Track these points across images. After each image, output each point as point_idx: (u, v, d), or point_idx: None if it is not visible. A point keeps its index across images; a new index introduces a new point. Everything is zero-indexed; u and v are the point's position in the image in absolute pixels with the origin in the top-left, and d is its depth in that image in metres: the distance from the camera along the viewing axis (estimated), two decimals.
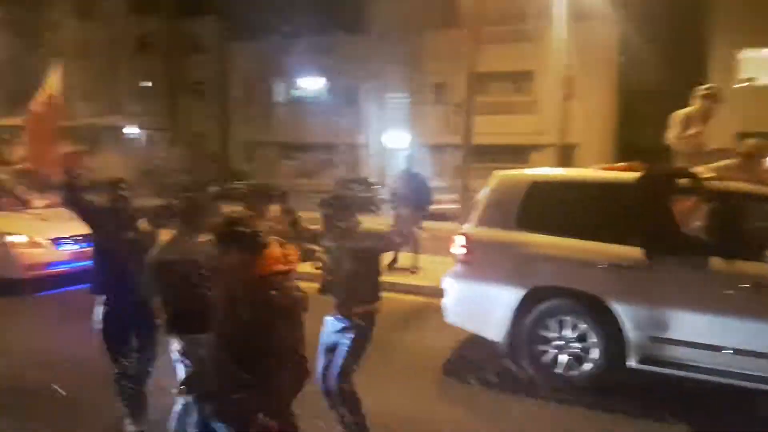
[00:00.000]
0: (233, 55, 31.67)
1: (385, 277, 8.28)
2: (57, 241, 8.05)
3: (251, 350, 2.44)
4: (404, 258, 9.43)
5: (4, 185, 9.19)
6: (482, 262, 5.62)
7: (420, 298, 8.29)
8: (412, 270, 9.25)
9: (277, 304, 2.47)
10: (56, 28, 29.82)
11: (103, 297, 4.15)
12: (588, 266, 5.11)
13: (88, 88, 32.91)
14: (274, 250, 2.59)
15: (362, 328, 3.83)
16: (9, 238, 7.91)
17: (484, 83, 21.21)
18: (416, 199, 9.29)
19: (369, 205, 15.35)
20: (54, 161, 4.97)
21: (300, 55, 28.10)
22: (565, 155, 21.82)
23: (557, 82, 21.60)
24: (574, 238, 5.24)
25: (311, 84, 31.06)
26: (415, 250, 9.44)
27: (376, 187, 21.04)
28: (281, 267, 2.57)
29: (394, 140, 27.25)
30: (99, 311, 4.14)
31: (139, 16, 32.76)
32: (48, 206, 8.93)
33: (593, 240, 5.17)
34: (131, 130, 27.14)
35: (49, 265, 8.04)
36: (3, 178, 9.30)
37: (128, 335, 4.17)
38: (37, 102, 6.84)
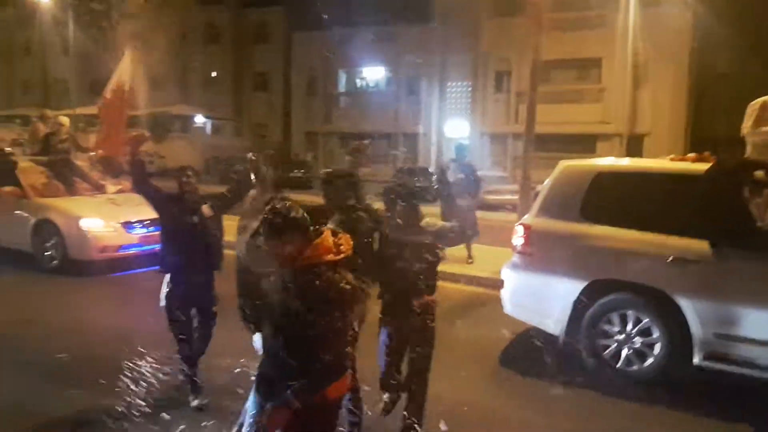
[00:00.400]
0: (297, 45, 32.10)
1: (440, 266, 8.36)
2: (128, 225, 8.42)
3: (297, 338, 2.44)
4: (457, 248, 9.33)
5: (80, 171, 9.66)
6: (542, 253, 5.53)
7: (476, 289, 8.23)
8: (468, 260, 9.18)
9: (322, 296, 2.42)
10: (129, 18, 30.97)
11: (169, 276, 4.42)
12: (653, 259, 4.93)
13: (159, 77, 34.27)
14: (326, 239, 2.51)
15: (424, 319, 3.74)
16: (83, 222, 8.32)
17: (548, 71, 20.74)
18: (465, 189, 9.19)
19: (426, 195, 15.23)
20: (124, 147, 5.25)
21: (362, 45, 28.21)
22: (633, 145, 21.13)
23: (625, 69, 20.92)
24: (639, 230, 5.07)
25: (373, 73, 31.15)
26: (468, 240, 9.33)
27: (434, 176, 20.96)
28: (331, 257, 2.48)
29: (454, 129, 27.03)
30: (164, 290, 4.42)
31: (208, 7, 33.67)
32: (120, 191, 9.36)
33: (659, 233, 4.99)
34: (199, 118, 27.99)
35: (120, 247, 8.43)
36: (79, 164, 9.77)
37: (189, 313, 4.46)
38: (110, 90, 7.17)
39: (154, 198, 4.52)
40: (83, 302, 7.10)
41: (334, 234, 2.59)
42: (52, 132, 9.90)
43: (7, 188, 8.70)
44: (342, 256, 2.53)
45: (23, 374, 4.84)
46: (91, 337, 5.75)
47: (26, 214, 8.62)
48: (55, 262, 8.40)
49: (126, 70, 8.61)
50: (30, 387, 4.62)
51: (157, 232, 4.92)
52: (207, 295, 4.51)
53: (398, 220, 3.67)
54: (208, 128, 28.66)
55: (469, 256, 9.23)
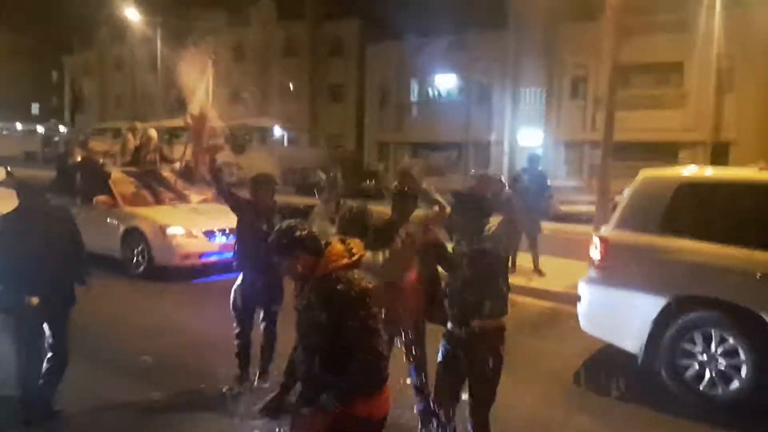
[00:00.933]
0: (370, 56, 32.56)
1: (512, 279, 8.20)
2: (209, 233, 8.79)
3: (328, 351, 2.51)
4: (522, 259, 9.15)
5: (166, 181, 10.17)
6: (621, 267, 5.36)
7: (548, 303, 8.03)
8: (540, 273, 8.96)
9: (345, 298, 2.48)
10: (212, 34, 32.41)
11: (240, 275, 4.91)
12: (740, 275, 4.69)
13: (240, 90, 35.66)
14: (335, 246, 2.62)
15: (484, 347, 3.37)
16: (169, 230, 8.75)
17: (627, 76, 20.08)
18: (535, 199, 9.01)
19: (499, 204, 15.02)
20: (205, 157, 5.68)
21: (435, 54, 28.26)
22: (718, 154, 20.05)
23: (709, 74, 19.91)
24: (725, 244, 4.83)
25: (445, 82, 31.12)
26: (536, 252, 9.13)
27: (506, 185, 20.65)
28: (345, 261, 2.58)
29: (527, 138, 26.56)
30: (233, 287, 4.90)
31: (287, 22, 34.79)
32: (203, 201, 9.81)
33: (746, 246, 4.74)
34: (276, 130, 28.87)
35: (202, 255, 8.80)
36: (165, 174, 10.29)
37: (254, 310, 4.92)
38: (195, 105, 7.53)
39: (233, 204, 4.96)
40: (166, 307, 7.45)
41: (343, 240, 2.68)
42: (141, 144, 10.49)
43: (101, 197, 9.26)
44: (356, 258, 2.62)
45: (108, 373, 5.12)
46: (173, 341, 6.02)
47: (116, 222, 9.15)
48: (141, 267, 8.87)
49: (208, 85, 9.01)
50: (113, 386, 4.87)
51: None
52: (271, 297, 4.89)
53: (462, 230, 3.50)
54: (285, 139, 29.47)
55: (536, 268, 9.02)
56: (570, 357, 5.83)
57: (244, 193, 5.05)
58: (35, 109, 57.51)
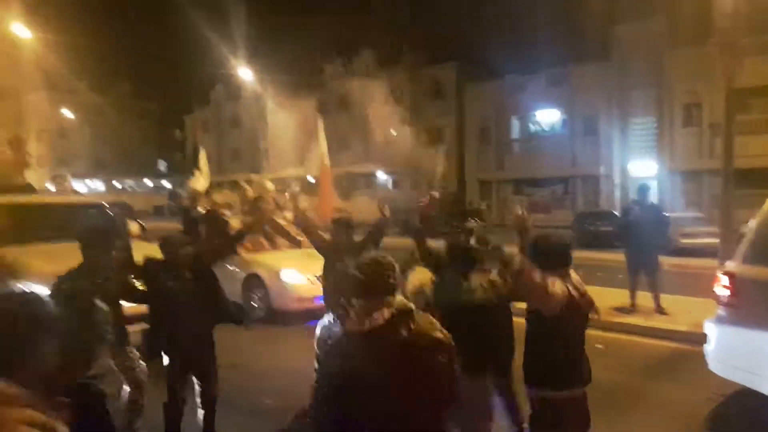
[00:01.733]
0: (469, 96, 32.88)
1: (627, 319, 7.80)
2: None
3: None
4: (642, 297, 8.70)
5: (281, 228, 10.71)
6: (751, 304, 5.00)
7: (672, 344, 7.52)
8: (662, 311, 8.45)
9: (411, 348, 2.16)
10: (317, 89, 34.10)
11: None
12: None
13: (345, 138, 37.15)
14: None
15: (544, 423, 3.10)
16: (283, 273, 9.20)
17: (744, 100, 18.84)
18: (651, 233, 8.53)
19: (613, 240, 14.42)
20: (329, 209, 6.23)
21: (534, 90, 28.06)
22: None
23: None
24: None
25: (547, 117, 30.71)
26: (655, 288, 8.60)
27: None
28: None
29: (640, 168, 25.47)
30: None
31: (387, 69, 36.13)
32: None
33: None
34: (380, 174, 29.72)
35: (316, 298, 9.14)
36: (280, 222, 10.85)
37: None
38: (322, 157, 8.05)
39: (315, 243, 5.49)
40: (283, 350, 7.75)
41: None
42: (258, 195, 11.17)
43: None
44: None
45: (236, 413, 5.41)
46: (291, 382, 6.27)
47: (238, 269, 9.75)
48: (260, 312, 9.36)
49: (322, 137, 9.55)
50: (238, 427, 5.14)
51: None
52: None
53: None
54: (390, 183, 30.24)
55: (658, 307, 8.52)
56: (699, 402, 5.44)
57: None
58: (162, 166, 62.69)
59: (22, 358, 1.48)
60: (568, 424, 3.05)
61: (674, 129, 25.01)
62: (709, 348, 5.29)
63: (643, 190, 9.32)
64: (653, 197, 9.07)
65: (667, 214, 9.36)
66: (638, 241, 8.54)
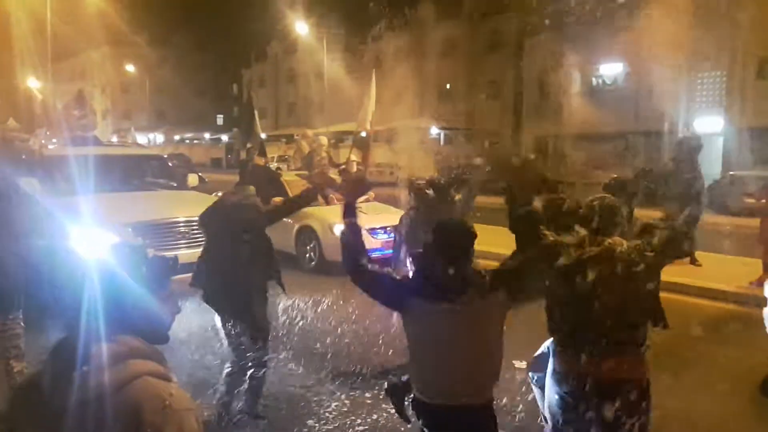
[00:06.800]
0: (528, 49, 31.87)
1: (678, 278, 7.66)
2: (372, 231, 9.31)
3: None
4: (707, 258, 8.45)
5: (335, 183, 10.88)
6: None
7: (725, 305, 7.38)
8: (694, 263, 8.28)
9: None
10: (373, 41, 33.76)
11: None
12: None
13: (400, 92, 36.78)
14: None
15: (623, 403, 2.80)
16: (336, 227, 9.39)
17: None
18: (684, 192, 8.34)
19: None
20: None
21: (596, 41, 26.92)
22: None
23: None
24: None
25: (608, 69, 29.54)
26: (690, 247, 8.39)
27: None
28: None
29: (706, 125, 24.33)
30: None
31: (445, 22, 35.30)
32: (366, 200, 10.38)
33: None
34: (433, 130, 29.49)
35: (367, 251, 9.33)
36: (333, 177, 11.02)
37: None
38: (369, 113, 8.11)
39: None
40: (337, 301, 7.97)
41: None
42: (312, 150, 11.36)
43: (277, 198, 10.18)
44: None
45: (288, 360, 5.69)
46: (343, 330, 6.51)
47: (291, 221, 10.00)
48: (313, 263, 9.64)
49: (373, 93, 9.56)
50: (292, 373, 5.40)
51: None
52: None
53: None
54: (442, 138, 29.97)
55: (693, 259, 8.34)
56: (755, 364, 5.26)
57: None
58: (220, 120, 63.97)
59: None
60: None
61: (746, 83, 23.67)
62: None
63: (680, 146, 9.20)
64: (685, 155, 8.81)
65: (700, 174, 9.04)
66: (671, 197, 8.43)
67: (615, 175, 4.36)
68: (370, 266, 2.94)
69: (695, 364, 5.37)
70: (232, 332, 4.29)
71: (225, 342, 4.43)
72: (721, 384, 5.05)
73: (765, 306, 5.13)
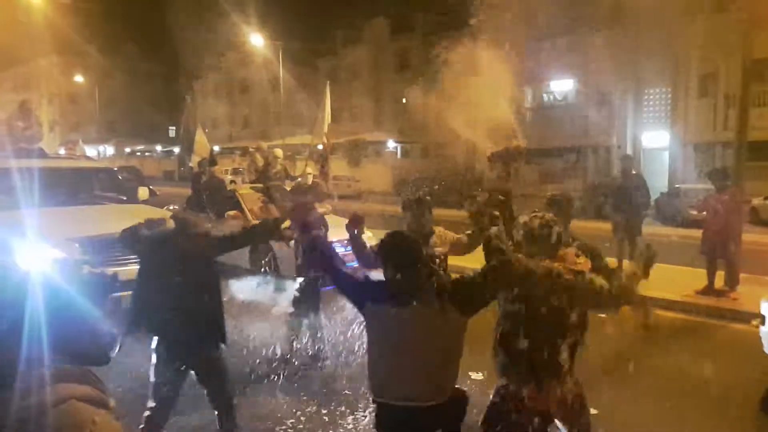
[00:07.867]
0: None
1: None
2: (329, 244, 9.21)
3: None
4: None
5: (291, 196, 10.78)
6: None
7: (674, 314, 7.56)
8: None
9: None
10: (328, 57, 33.78)
11: None
12: None
13: (355, 106, 36.91)
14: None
15: None
16: (293, 241, 9.26)
17: (761, 71, 18.51)
18: (631, 204, 8.65)
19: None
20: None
21: (547, 58, 27.61)
22: None
23: None
24: None
25: (559, 86, 30.35)
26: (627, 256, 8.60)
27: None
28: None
29: (653, 139, 25.21)
30: None
31: (398, 37, 35.63)
32: (324, 214, 10.29)
33: None
34: (390, 143, 29.66)
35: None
36: (289, 190, 10.92)
37: None
38: (325, 125, 8.03)
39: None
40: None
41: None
42: (268, 162, 11.22)
43: (232, 212, 10.01)
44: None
45: (243, 361, 5.57)
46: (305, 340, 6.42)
47: None
48: (268, 277, 9.46)
49: (328, 106, 9.53)
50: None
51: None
52: None
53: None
54: (399, 152, 30.18)
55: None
56: (754, 382, 5.11)
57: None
58: (172, 132, 62.73)
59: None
60: None
61: (689, 100, 24.64)
62: (765, 329, 4.93)
63: (625, 160, 9.84)
64: (630, 168, 9.31)
65: (646, 186, 9.39)
66: (621, 210, 8.87)
67: (555, 192, 4.43)
68: (342, 268, 3.25)
69: (641, 372, 5.47)
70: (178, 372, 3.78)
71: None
72: (667, 392, 5.12)
73: (763, 324, 4.99)
